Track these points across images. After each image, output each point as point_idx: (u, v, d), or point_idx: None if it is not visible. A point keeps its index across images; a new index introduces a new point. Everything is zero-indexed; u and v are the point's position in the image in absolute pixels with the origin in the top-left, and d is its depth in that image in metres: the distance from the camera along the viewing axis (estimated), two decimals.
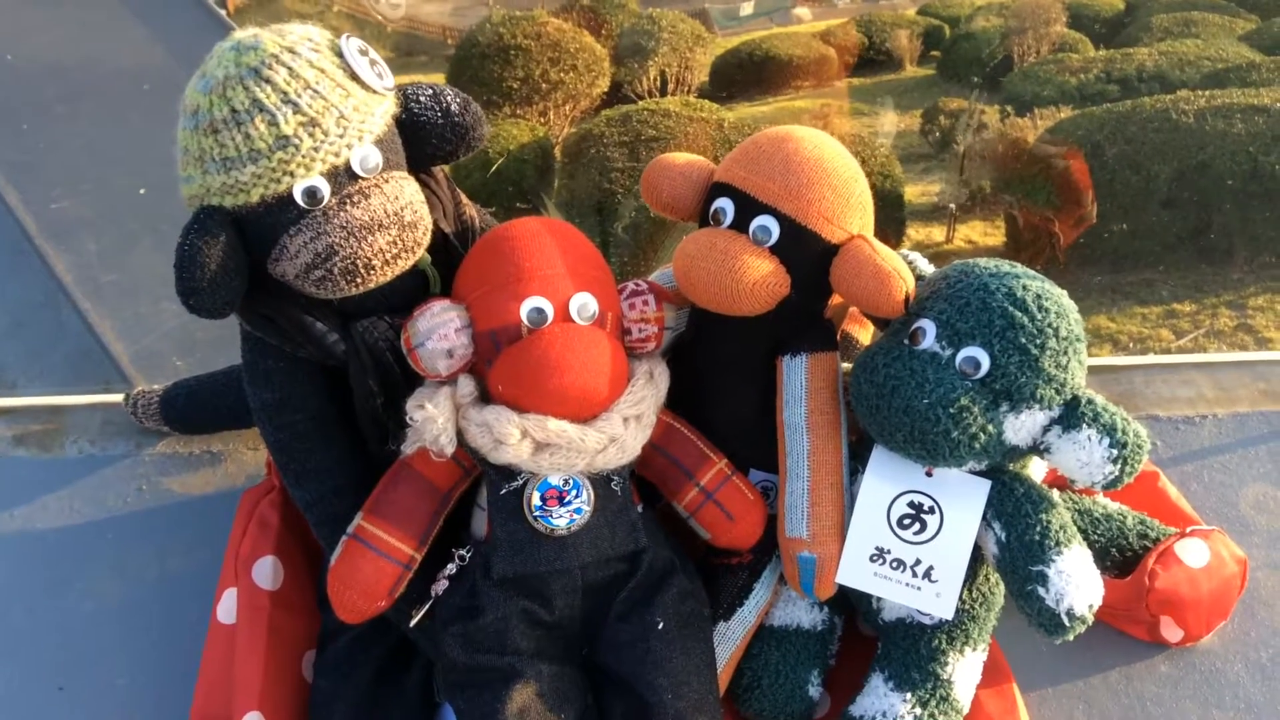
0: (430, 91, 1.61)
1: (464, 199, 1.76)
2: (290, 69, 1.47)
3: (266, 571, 1.77)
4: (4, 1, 6.30)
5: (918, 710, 1.61)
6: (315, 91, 1.47)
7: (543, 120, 16.39)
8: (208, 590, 1.84)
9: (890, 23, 22.56)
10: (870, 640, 1.78)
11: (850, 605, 1.79)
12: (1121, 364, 2.14)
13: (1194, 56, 17.94)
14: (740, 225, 1.62)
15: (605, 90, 17.37)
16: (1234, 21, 20.49)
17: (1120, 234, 13.85)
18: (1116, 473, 1.52)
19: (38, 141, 5.32)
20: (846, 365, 1.76)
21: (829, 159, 1.63)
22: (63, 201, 4.81)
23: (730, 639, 1.70)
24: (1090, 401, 1.54)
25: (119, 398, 2.17)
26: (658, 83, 18.31)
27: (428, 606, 1.62)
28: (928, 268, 1.76)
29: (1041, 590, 1.52)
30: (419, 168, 1.63)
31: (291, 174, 1.46)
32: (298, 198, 1.47)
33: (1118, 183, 14.03)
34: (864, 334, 1.94)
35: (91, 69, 5.99)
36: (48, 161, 5.14)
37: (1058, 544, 1.54)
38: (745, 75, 19.22)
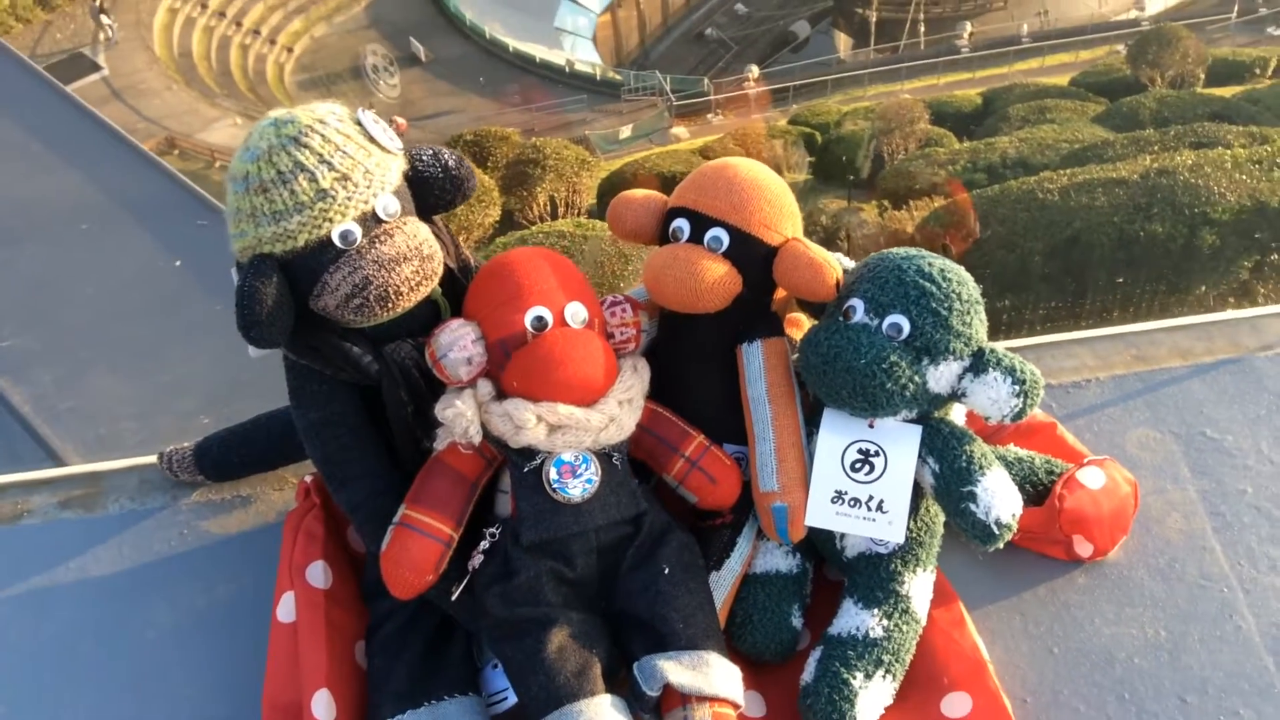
0: (431, 151, 1.96)
1: (460, 242, 2.10)
2: (323, 135, 1.81)
3: (318, 574, 2.04)
4: None
5: (885, 622, 1.94)
6: (344, 153, 1.81)
7: None
8: (256, 609, 2.10)
9: (764, 134, 23.46)
10: (838, 584, 2.10)
11: (818, 553, 2.12)
12: (1015, 345, 2.52)
13: (1052, 140, 18.83)
14: (696, 239, 1.98)
15: (497, 219, 17.77)
16: (1085, 105, 21.63)
17: (1005, 308, 14.52)
18: (1020, 405, 1.88)
19: None
20: (794, 356, 2.11)
21: (763, 179, 2.01)
22: (12, 339, 5.01)
23: (722, 586, 2.01)
24: (993, 350, 1.91)
25: (153, 459, 2.42)
26: (548, 208, 18.78)
27: (465, 581, 1.90)
28: (850, 265, 2.13)
29: (972, 506, 1.87)
30: (423, 217, 1.96)
31: (330, 220, 1.79)
32: (335, 239, 1.79)
33: (995, 263, 14.80)
34: (800, 335, 2.30)
35: (29, 213, 6.24)
36: None
37: (980, 467, 1.89)
38: None
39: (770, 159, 22.12)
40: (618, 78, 29.52)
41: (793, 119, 25.20)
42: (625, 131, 26.48)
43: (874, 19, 31.78)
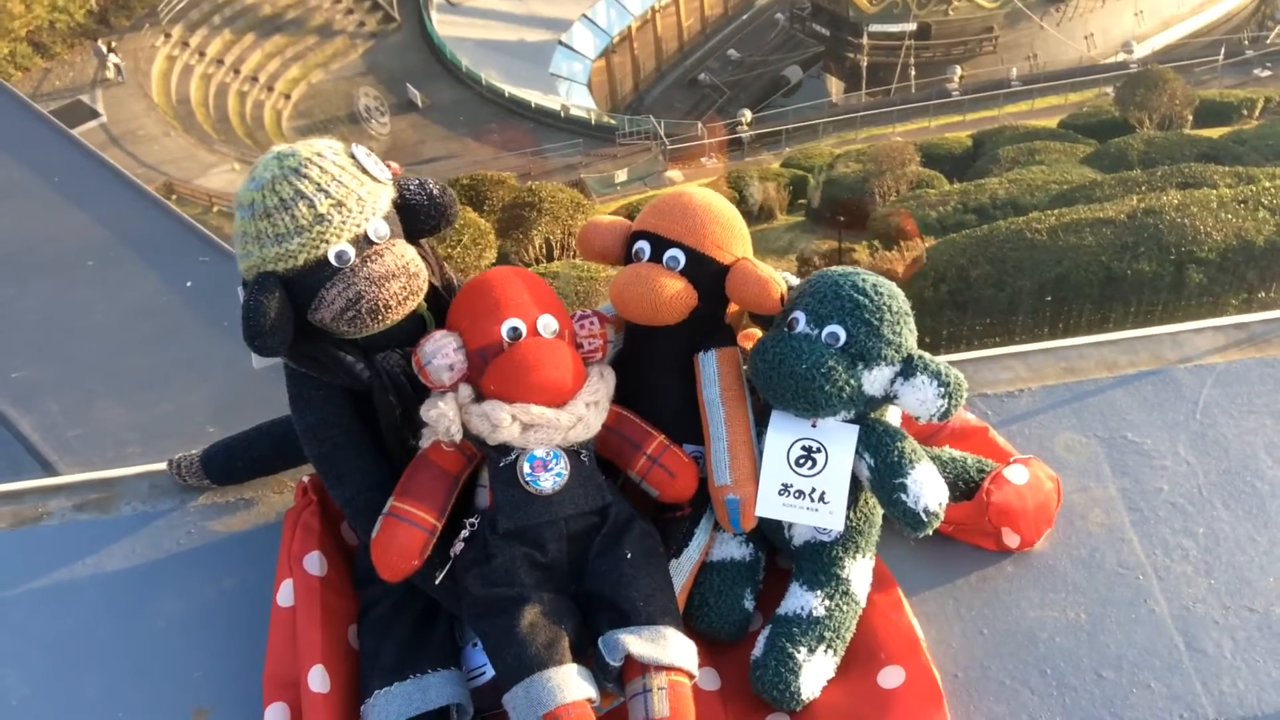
0: (417, 181, 2.20)
1: (444, 262, 2.32)
2: (320, 167, 2.05)
3: (315, 562, 2.25)
4: None
5: (827, 603, 2.15)
6: (339, 182, 2.05)
7: None
8: (258, 600, 2.30)
9: (758, 177, 23.73)
10: (789, 572, 2.30)
11: (770, 543, 2.32)
12: (956, 359, 2.74)
13: (1041, 181, 19.06)
14: (655, 258, 2.21)
15: (493, 261, 17.97)
16: (1074, 147, 21.87)
17: (991, 345, 14.71)
18: (946, 406, 2.11)
19: None
20: (745, 368, 2.33)
21: (715, 205, 2.25)
22: (21, 371, 5.22)
23: (681, 573, 2.21)
24: (921, 356, 2.14)
25: (163, 465, 2.63)
26: (543, 250, 18.99)
27: (448, 567, 2.11)
28: (795, 281, 2.35)
29: (904, 496, 2.09)
30: (410, 240, 2.19)
31: (327, 241, 2.02)
32: (331, 259, 2.02)
33: (984, 301, 15.07)
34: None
35: (37, 252, 6.49)
36: (4, 338, 5.55)
37: (911, 462, 2.11)
38: None
39: (763, 201, 22.41)
40: (612, 122, 29.98)
41: (785, 161, 25.53)
42: (620, 175, 26.84)
43: (865, 63, 32.29)
